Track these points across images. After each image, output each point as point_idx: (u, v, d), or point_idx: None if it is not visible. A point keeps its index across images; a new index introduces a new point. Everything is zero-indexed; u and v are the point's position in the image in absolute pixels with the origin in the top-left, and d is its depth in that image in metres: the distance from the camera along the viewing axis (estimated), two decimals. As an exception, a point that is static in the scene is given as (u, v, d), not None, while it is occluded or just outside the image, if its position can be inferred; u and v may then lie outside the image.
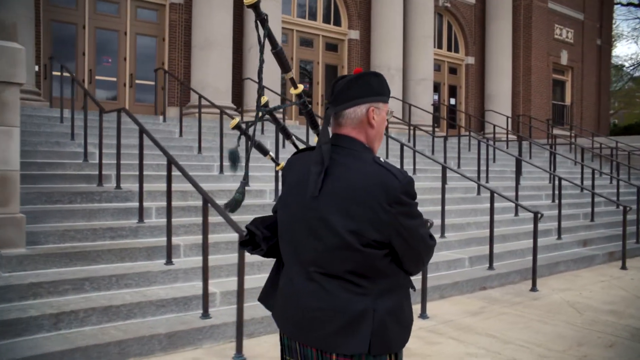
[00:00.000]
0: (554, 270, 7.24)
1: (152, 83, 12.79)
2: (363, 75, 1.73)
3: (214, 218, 6.11)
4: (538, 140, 16.68)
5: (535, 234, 6.25)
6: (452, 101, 18.70)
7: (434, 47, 17.59)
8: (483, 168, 10.93)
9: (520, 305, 5.55)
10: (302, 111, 1.99)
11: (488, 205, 8.83)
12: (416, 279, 4.09)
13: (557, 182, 9.63)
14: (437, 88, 18.27)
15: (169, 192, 5.04)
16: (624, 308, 5.56)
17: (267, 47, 1.82)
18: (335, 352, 1.63)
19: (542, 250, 7.78)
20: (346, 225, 1.61)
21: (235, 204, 1.88)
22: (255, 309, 4.72)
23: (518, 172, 9.15)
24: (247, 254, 3.74)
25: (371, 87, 1.72)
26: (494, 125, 15.76)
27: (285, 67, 1.87)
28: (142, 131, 5.55)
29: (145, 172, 6.80)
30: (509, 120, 16.89)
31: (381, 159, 1.70)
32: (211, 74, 12.34)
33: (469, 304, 5.55)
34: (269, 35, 1.80)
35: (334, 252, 1.63)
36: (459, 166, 11.35)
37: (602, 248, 8.41)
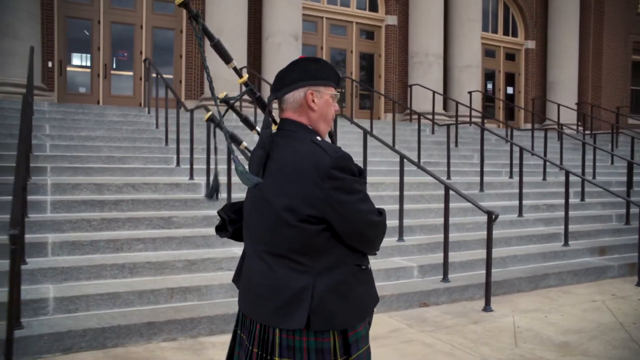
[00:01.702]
0: (540, 284, 5.88)
1: (170, 76, 12.60)
2: (300, 60, 1.78)
3: (107, 214, 5.56)
4: (608, 131, 14.54)
5: (489, 240, 5.02)
6: (510, 90, 16.91)
7: (488, 31, 16.04)
8: (505, 161, 9.77)
9: (445, 330, 4.40)
10: (252, 98, 2.01)
11: (487, 202, 7.60)
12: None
13: (590, 179, 8.15)
14: (491, 76, 16.61)
15: (16, 184, 4.50)
16: (586, 340, 4.23)
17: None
18: (276, 327, 1.67)
19: (535, 258, 6.42)
20: (282, 202, 1.66)
21: (213, 190, 1.92)
22: (89, 319, 4.07)
23: (522, 165, 7.74)
24: (53, 259, 3.40)
25: (308, 71, 1.76)
26: (530, 116, 13.94)
27: (226, 58, 1.95)
28: (23, 120, 5.10)
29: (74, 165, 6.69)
30: (560, 108, 14.82)
31: (319, 138, 1.73)
32: (222, 65, 11.78)
33: (380, 326, 4.48)
34: (204, 29, 1.87)
35: (274, 230, 1.68)
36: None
37: (622, 258, 6.78)
